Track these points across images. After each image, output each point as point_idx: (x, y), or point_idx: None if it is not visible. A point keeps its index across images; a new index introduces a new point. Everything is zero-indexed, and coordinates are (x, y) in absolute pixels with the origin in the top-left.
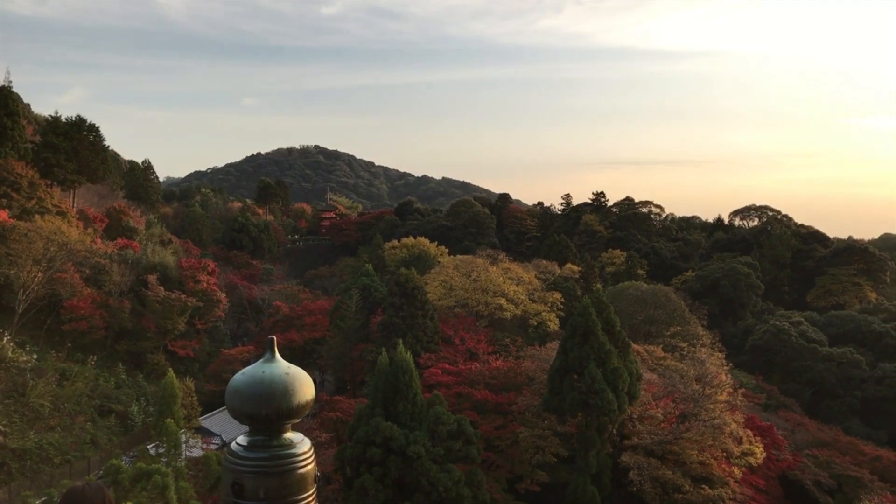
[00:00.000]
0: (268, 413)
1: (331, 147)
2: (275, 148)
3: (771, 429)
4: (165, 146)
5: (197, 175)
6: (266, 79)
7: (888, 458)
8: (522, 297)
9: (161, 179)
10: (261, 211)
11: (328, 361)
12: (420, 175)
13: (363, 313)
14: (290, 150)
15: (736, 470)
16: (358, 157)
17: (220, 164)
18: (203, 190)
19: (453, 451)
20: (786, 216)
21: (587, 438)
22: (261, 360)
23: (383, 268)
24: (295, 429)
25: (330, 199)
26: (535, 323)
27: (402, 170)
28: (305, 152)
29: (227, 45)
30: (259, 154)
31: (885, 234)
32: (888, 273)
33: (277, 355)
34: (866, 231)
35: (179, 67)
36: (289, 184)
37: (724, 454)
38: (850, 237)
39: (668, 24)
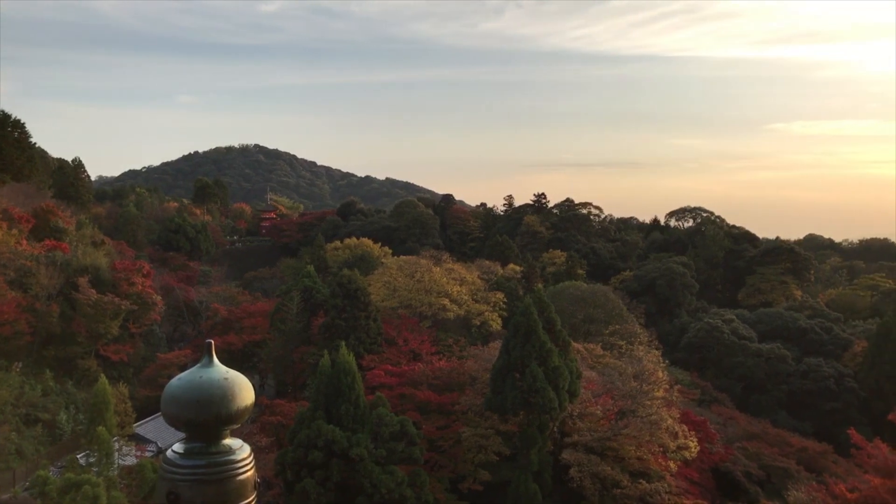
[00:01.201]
0: (206, 419)
1: (271, 146)
2: (213, 146)
3: (704, 423)
4: (98, 144)
5: (131, 174)
6: (203, 76)
7: (813, 449)
8: (465, 298)
9: (93, 178)
10: (198, 211)
11: (268, 365)
12: (363, 175)
13: (304, 315)
14: (229, 149)
15: (672, 464)
16: (299, 156)
17: (156, 162)
18: (138, 189)
19: (396, 453)
20: (718, 217)
21: (529, 436)
22: (198, 364)
23: (325, 269)
24: (234, 434)
25: (270, 200)
26: (478, 323)
27: (344, 170)
28: (245, 151)
29: (162, 40)
30: (196, 153)
31: (810, 235)
32: (812, 272)
33: (215, 359)
34: (792, 232)
35: (112, 63)
36: (228, 183)
37: (661, 449)
38: (777, 237)
39: (608, 28)
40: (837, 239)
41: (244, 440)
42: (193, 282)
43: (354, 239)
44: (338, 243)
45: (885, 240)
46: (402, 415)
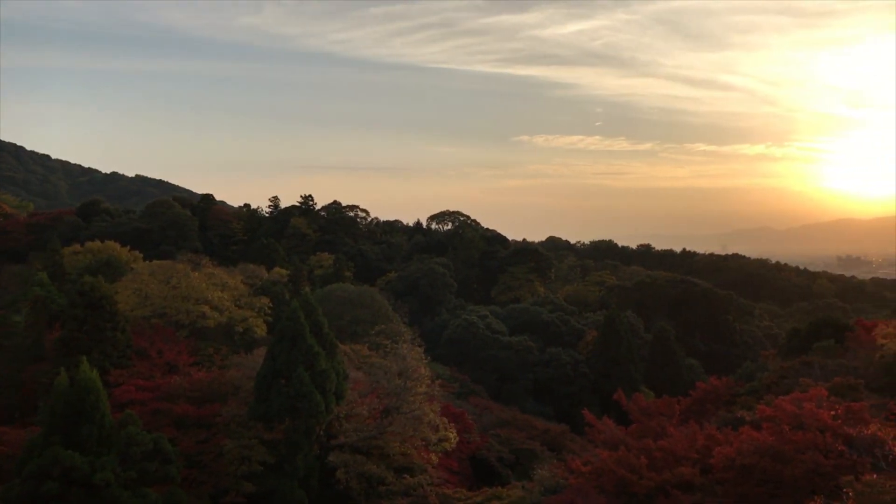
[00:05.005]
0: None
1: None
2: None
3: (463, 415)
4: None
5: None
6: None
7: (555, 430)
8: (228, 304)
9: None
10: None
11: None
12: (109, 172)
13: (36, 329)
14: None
15: (433, 456)
16: (29, 148)
17: None
18: None
19: (149, 473)
20: (474, 221)
21: (295, 442)
22: None
23: (63, 276)
24: None
25: None
26: (242, 329)
27: (86, 165)
28: None
29: None
30: None
31: (551, 237)
32: (553, 270)
33: None
34: (536, 234)
35: None
36: None
37: (424, 443)
38: (524, 239)
39: (369, 35)
40: (573, 241)
41: None
42: None
43: (98, 242)
44: (78, 247)
45: (610, 241)
46: (156, 432)
